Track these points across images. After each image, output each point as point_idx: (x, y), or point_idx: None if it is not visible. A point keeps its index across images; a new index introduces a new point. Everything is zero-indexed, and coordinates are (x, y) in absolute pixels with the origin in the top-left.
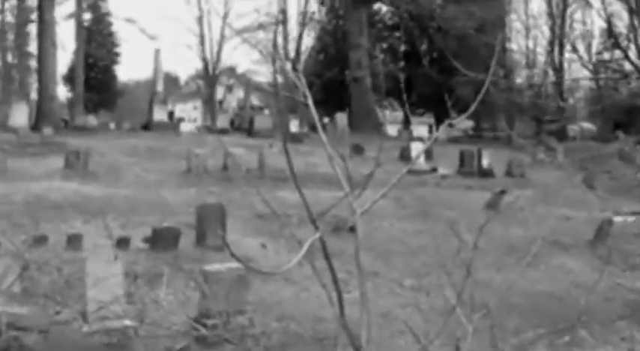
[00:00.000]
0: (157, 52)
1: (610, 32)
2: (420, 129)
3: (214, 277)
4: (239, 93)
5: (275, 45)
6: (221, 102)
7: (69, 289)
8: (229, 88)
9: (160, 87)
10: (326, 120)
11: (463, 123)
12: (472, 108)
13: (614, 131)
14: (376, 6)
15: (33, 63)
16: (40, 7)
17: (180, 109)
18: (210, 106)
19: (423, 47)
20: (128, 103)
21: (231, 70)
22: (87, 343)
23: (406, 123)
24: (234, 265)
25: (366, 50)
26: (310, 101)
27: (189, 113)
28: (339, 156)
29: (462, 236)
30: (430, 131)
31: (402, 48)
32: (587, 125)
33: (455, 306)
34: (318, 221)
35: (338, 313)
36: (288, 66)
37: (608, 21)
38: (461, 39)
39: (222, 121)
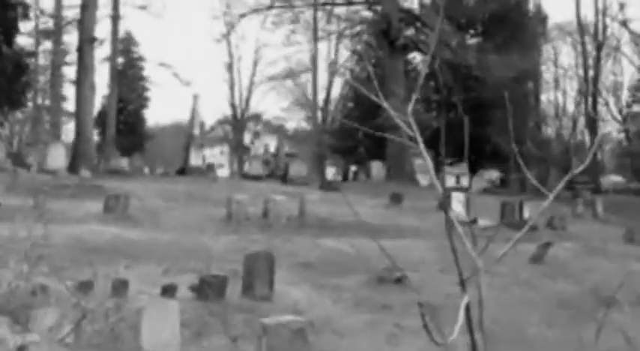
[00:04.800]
0: (196, 96)
1: None
2: (448, 179)
3: (274, 330)
4: (265, 139)
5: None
6: (248, 148)
7: (119, 339)
8: (256, 134)
9: (196, 131)
10: (353, 168)
11: (490, 174)
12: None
13: None
14: (410, 55)
15: (64, 105)
16: (80, 51)
17: (208, 155)
18: (239, 152)
19: (456, 98)
20: (155, 147)
21: (257, 117)
22: None
23: (436, 172)
24: (293, 317)
25: (402, 99)
26: (422, 146)
27: (217, 158)
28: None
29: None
30: (457, 181)
31: (436, 97)
32: (616, 178)
33: None
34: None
35: None
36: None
37: None
38: (497, 88)
39: (255, 168)
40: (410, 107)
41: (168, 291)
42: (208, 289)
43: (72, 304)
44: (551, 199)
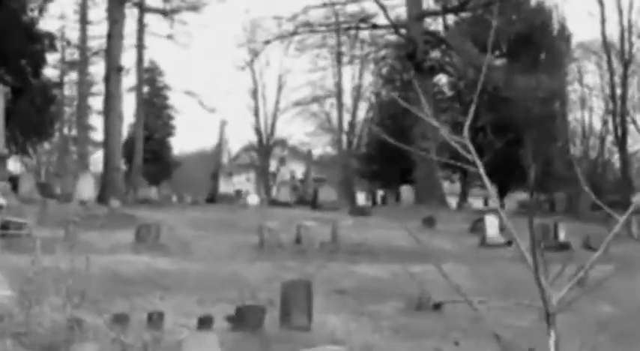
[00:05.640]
0: (223, 123)
1: None
2: (476, 201)
3: None
4: (291, 165)
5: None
6: (274, 174)
7: None
8: (282, 160)
9: (225, 159)
10: (380, 192)
11: (519, 196)
12: None
13: None
14: (436, 78)
15: (91, 135)
16: (107, 80)
17: (234, 182)
18: (264, 178)
19: (484, 118)
20: (181, 175)
21: (282, 143)
22: None
23: (463, 195)
24: (335, 347)
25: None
26: (482, 170)
27: (243, 185)
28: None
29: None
30: (485, 204)
31: (462, 119)
32: None
33: None
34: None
35: None
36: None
37: None
38: (525, 109)
39: (283, 194)
40: (466, 130)
41: (205, 322)
42: (246, 319)
43: (110, 338)
44: (621, 222)
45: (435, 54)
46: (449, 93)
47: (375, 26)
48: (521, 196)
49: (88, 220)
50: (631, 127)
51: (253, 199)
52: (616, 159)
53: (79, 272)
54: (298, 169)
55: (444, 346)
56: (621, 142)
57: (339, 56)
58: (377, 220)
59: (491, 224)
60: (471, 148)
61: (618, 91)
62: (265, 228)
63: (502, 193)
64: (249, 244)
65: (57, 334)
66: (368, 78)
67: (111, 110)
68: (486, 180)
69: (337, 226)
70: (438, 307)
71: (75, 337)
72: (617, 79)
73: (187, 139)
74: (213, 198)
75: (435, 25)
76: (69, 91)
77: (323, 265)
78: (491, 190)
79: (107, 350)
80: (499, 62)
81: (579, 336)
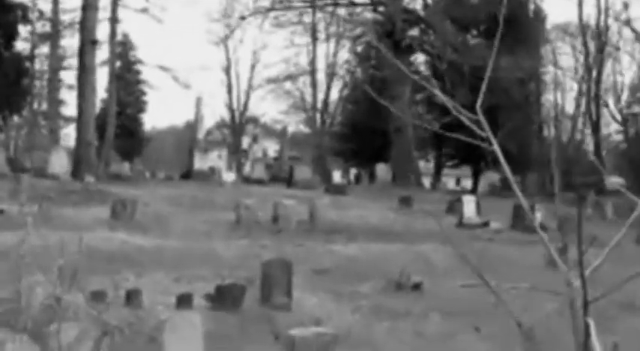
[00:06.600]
0: (199, 99)
1: None
2: (449, 181)
3: (302, 342)
4: (264, 143)
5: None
6: (246, 151)
7: None
8: (255, 138)
9: (200, 135)
10: (353, 171)
11: (490, 176)
12: None
13: None
14: (412, 57)
15: (62, 109)
16: (81, 53)
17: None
18: (237, 155)
19: (463, 99)
20: (152, 151)
21: (255, 120)
22: None
23: (437, 175)
24: (321, 329)
25: (408, 100)
26: (496, 146)
27: (215, 162)
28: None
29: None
30: (458, 183)
31: (437, 98)
32: (617, 179)
33: None
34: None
35: None
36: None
37: None
38: (502, 90)
39: (258, 171)
40: (478, 104)
41: (184, 301)
42: (225, 298)
43: (91, 317)
44: None
45: (414, 32)
46: (426, 72)
47: (352, 3)
48: (493, 177)
49: (63, 196)
50: (603, 110)
51: (229, 176)
52: (589, 141)
53: (55, 250)
54: (271, 147)
55: (425, 327)
56: (595, 124)
57: (314, 33)
58: (353, 199)
59: (469, 205)
60: (486, 125)
61: (593, 73)
62: (242, 205)
63: (476, 175)
64: (226, 221)
65: (39, 313)
66: (342, 56)
67: (85, 84)
68: (502, 158)
69: (315, 205)
70: (417, 287)
71: (55, 316)
72: (591, 61)
73: (158, 115)
74: (188, 174)
75: (414, 3)
76: (39, 64)
77: (301, 243)
78: (507, 169)
79: (88, 329)
80: (475, 42)
81: (561, 319)
